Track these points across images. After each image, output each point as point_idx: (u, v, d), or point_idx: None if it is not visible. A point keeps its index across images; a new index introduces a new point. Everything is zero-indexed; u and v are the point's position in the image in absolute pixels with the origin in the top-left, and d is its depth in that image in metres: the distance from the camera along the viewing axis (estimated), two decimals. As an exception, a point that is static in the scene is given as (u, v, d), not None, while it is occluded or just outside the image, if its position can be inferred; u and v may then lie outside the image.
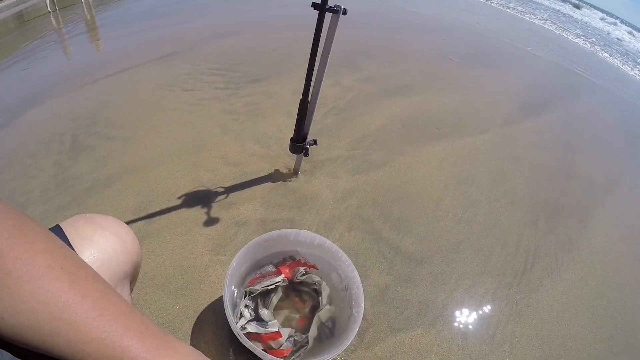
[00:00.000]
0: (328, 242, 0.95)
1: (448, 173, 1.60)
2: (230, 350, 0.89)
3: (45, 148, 1.44)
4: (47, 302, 0.27)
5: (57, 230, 0.44)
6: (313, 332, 0.88)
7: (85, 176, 1.32)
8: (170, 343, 0.32)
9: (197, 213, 1.22)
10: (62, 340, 0.27)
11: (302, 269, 0.96)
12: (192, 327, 0.92)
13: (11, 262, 0.27)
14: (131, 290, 0.56)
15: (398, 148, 1.69)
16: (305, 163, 1.47)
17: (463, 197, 1.49)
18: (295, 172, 1.42)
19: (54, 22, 2.90)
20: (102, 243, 0.46)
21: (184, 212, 1.22)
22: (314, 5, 0.95)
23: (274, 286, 0.93)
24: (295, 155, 1.34)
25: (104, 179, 1.31)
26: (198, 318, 0.94)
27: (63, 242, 0.32)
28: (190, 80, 1.94)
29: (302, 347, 0.86)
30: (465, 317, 1.08)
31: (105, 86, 1.86)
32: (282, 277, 0.95)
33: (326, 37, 1.02)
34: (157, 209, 1.21)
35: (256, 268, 0.96)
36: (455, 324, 1.06)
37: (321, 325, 0.90)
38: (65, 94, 1.79)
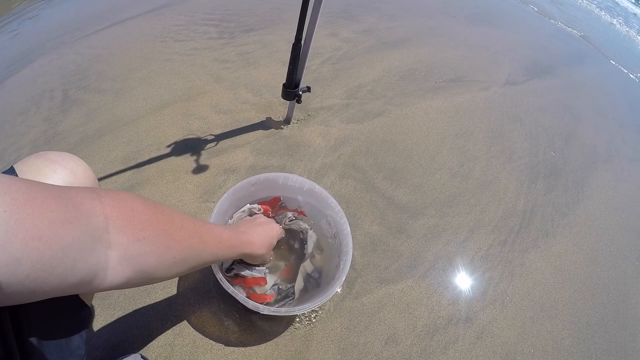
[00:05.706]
0: (317, 187, 0.86)
1: (445, 127, 1.48)
2: (217, 297, 0.84)
3: (35, 105, 1.35)
4: (217, 236, 0.55)
5: (11, 171, 0.44)
6: (299, 283, 0.80)
7: (76, 129, 1.23)
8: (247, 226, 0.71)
9: (186, 161, 1.13)
10: (225, 249, 0.57)
11: (290, 214, 0.88)
12: (178, 274, 0.87)
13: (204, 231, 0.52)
14: None
15: (395, 99, 1.56)
16: (298, 111, 1.36)
17: (460, 151, 1.38)
18: (287, 120, 1.31)
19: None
20: (51, 176, 0.46)
21: (173, 160, 1.13)
22: None
23: (243, 210, 0.86)
24: (288, 102, 1.23)
25: (94, 131, 1.22)
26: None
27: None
28: (182, 31, 1.79)
29: (287, 297, 0.79)
30: (457, 272, 1.02)
31: (96, 41, 1.72)
32: (256, 205, 0.87)
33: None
34: (147, 158, 1.13)
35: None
36: (447, 279, 0.99)
37: (307, 276, 0.83)
38: (55, 51, 1.66)
